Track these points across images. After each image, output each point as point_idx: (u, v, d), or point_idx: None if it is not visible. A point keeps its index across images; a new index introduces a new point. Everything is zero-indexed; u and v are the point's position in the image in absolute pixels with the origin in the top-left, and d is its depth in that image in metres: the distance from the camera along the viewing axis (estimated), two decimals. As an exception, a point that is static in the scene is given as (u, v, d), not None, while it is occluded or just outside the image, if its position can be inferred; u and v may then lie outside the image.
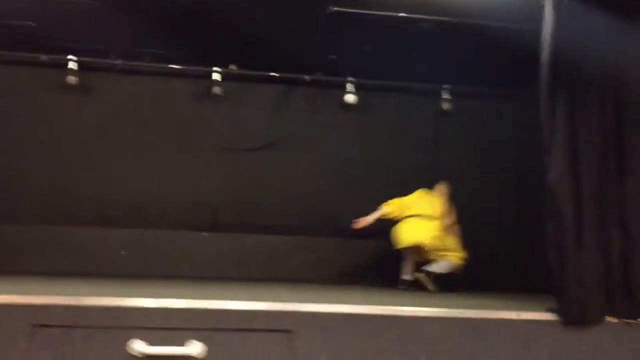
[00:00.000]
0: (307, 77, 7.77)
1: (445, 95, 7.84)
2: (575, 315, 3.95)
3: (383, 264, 7.52)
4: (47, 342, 3.40)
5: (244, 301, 3.70)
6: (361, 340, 3.73)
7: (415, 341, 3.78)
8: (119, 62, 7.31)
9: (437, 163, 7.90)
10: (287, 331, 3.65)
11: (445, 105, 7.83)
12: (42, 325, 3.40)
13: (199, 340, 3.54)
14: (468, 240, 7.17)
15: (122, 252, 7.25)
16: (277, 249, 7.55)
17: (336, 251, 7.64)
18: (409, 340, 3.78)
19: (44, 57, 7.17)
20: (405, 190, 7.80)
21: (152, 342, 3.49)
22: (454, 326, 3.85)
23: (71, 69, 7.16)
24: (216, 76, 7.52)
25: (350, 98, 7.65)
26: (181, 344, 3.52)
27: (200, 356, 3.53)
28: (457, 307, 4.16)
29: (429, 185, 7.56)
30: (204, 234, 7.49)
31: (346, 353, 3.70)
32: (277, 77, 7.73)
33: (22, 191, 7.26)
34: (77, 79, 7.16)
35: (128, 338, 3.48)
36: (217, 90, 7.52)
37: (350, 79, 7.68)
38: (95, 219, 7.39)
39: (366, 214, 7.58)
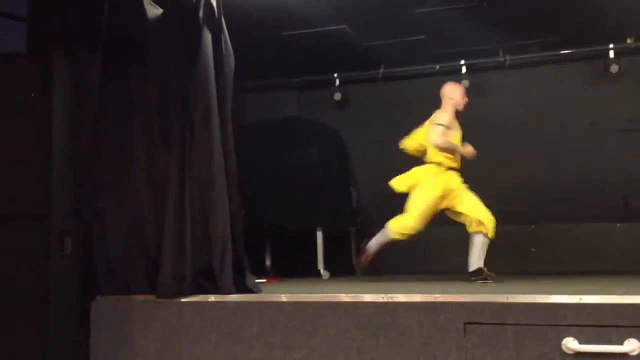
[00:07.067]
0: None
1: None
2: None
3: None
4: (479, 339, 3.51)
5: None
6: None
7: None
8: (507, 57, 7.31)
9: None
10: None
11: None
12: (474, 323, 3.53)
13: (637, 338, 3.28)
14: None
15: (533, 250, 7.19)
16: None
17: None
18: None
19: (436, 67, 7.55)
20: None
21: (584, 341, 3.35)
22: None
23: (463, 74, 7.43)
24: (611, 54, 7.03)
25: None
26: (618, 342, 3.30)
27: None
28: None
29: None
30: None
31: None
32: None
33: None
34: (468, 82, 7.30)
35: (558, 336, 3.39)
36: (614, 68, 7.03)
37: None
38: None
39: None
